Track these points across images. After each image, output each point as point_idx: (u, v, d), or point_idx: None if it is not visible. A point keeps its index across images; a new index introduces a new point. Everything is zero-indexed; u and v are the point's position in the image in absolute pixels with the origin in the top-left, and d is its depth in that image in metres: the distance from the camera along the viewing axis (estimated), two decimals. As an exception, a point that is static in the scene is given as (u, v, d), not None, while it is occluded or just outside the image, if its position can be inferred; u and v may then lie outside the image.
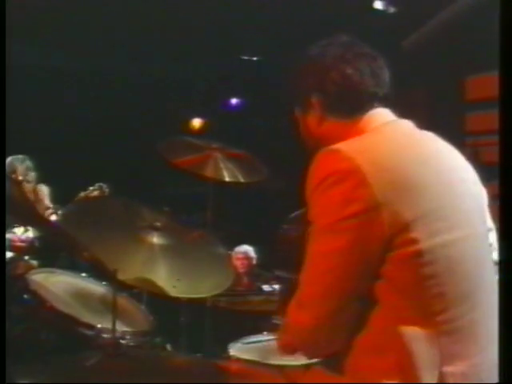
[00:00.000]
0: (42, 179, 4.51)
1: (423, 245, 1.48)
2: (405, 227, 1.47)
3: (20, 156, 4.42)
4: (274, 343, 2.54)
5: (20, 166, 4.36)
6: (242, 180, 3.66)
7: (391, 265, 1.49)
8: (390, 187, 1.49)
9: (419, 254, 1.48)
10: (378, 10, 5.70)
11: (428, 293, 1.49)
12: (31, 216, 2.34)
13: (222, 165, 3.63)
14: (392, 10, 5.67)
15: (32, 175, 4.41)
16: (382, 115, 1.68)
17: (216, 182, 3.72)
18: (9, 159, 4.34)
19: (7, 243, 3.77)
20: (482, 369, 1.53)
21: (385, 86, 1.70)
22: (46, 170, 4.55)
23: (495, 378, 1.52)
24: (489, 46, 2.35)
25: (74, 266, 3.18)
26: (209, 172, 3.58)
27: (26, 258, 3.76)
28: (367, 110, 1.67)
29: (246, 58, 7.54)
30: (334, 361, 1.62)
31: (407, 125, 1.71)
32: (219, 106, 8.54)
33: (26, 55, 7.01)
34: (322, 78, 1.68)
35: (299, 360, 2.50)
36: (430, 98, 6.06)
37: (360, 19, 5.77)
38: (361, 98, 1.67)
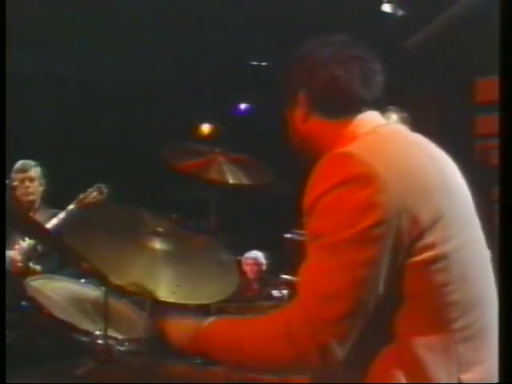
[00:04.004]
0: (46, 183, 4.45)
1: (438, 250, 1.43)
2: (422, 233, 1.42)
3: (32, 162, 4.34)
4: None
5: (27, 170, 4.28)
6: (246, 182, 3.61)
7: (407, 272, 1.43)
8: (407, 192, 1.42)
9: (434, 260, 1.43)
10: (386, 13, 5.67)
11: (444, 300, 1.45)
12: (25, 223, 2.32)
13: (225, 168, 3.60)
14: (400, 12, 5.63)
15: (41, 180, 4.34)
16: (372, 119, 1.63)
17: (221, 185, 3.69)
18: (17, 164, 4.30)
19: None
20: (495, 372, 1.49)
21: (375, 91, 1.63)
22: (50, 173, 4.49)
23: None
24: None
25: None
26: (212, 175, 3.55)
27: (31, 263, 3.73)
28: (354, 113, 1.62)
29: (255, 63, 7.53)
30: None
31: (401, 127, 1.68)
32: (228, 112, 8.54)
33: (38, 62, 7.07)
34: (310, 75, 1.63)
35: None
36: (439, 100, 6.01)
37: (369, 23, 5.74)
38: (347, 100, 1.61)
